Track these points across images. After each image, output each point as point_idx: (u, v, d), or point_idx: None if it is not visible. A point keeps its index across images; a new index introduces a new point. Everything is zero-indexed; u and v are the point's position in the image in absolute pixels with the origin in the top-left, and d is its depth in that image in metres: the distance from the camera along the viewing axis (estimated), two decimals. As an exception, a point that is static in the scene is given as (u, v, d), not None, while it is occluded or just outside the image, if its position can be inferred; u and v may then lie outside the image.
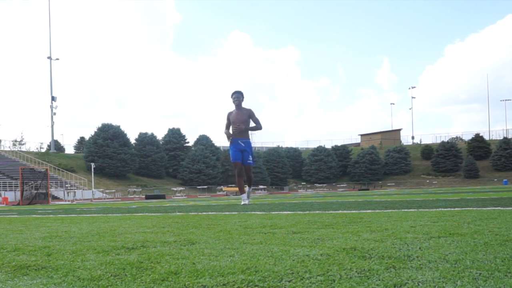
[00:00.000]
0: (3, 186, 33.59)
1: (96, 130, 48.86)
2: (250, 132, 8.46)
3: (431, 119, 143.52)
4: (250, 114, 8.10)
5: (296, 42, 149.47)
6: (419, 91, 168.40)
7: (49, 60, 51.43)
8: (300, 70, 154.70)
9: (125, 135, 49.42)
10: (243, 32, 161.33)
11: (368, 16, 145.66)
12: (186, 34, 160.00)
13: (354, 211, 4.26)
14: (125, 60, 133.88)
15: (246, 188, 8.24)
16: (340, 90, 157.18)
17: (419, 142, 75.85)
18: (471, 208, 4.07)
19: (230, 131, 8.26)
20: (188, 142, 58.08)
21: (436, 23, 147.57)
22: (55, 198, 32.15)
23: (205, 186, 47.58)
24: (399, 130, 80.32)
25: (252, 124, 8.25)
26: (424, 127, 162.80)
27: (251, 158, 8.20)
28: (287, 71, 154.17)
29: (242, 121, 8.01)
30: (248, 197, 8.12)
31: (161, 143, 54.86)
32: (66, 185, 37.85)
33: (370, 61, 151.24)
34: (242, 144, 8.08)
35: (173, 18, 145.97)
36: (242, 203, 7.83)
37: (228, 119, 8.21)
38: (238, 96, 8.16)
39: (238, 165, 8.09)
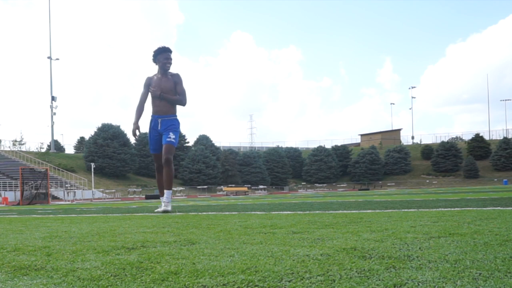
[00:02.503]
0: (3, 186, 33.59)
1: (96, 130, 48.88)
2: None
3: (433, 119, 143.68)
4: (176, 82, 5.77)
5: (298, 42, 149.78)
6: (421, 91, 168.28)
7: (49, 60, 51.45)
8: (302, 70, 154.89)
9: (125, 135, 49.43)
10: (245, 32, 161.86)
11: (370, 16, 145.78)
12: (189, 34, 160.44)
13: (354, 211, 4.26)
14: (127, 59, 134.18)
15: (165, 192, 5.73)
16: (342, 90, 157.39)
17: (419, 142, 75.86)
18: (471, 208, 4.06)
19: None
20: (188, 142, 58.06)
21: (438, 23, 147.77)
22: (55, 198, 32.15)
23: (205, 186, 47.59)
24: (399, 130, 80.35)
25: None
26: (425, 127, 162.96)
27: (172, 136, 5.74)
28: (289, 71, 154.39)
29: (167, 91, 5.72)
30: (167, 200, 5.67)
31: (161, 143, 54.84)
32: (66, 185, 37.85)
33: (372, 61, 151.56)
34: (160, 127, 5.75)
35: (176, 18, 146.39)
36: (161, 209, 5.60)
37: (147, 86, 5.86)
38: (169, 57, 5.75)
39: (156, 158, 5.90)
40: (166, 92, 5.72)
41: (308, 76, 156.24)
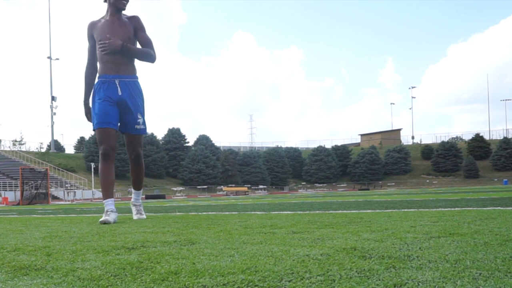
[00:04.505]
0: (3, 186, 33.58)
1: (96, 130, 48.87)
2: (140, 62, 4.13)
3: (433, 119, 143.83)
4: (137, 27, 4.02)
5: (299, 42, 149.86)
6: (421, 91, 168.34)
7: (49, 60, 51.45)
8: (303, 70, 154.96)
9: (125, 135, 49.43)
10: (246, 32, 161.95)
11: (371, 17, 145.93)
12: (191, 34, 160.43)
13: (354, 211, 4.26)
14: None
15: (133, 193, 4.57)
16: (343, 90, 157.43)
17: (419, 142, 75.87)
18: (471, 208, 4.06)
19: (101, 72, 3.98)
20: (188, 142, 58.10)
21: (439, 23, 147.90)
22: (55, 198, 32.15)
23: (205, 186, 47.61)
24: (399, 130, 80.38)
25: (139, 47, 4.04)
26: (425, 127, 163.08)
27: (141, 119, 4.09)
28: (290, 71, 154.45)
29: (124, 40, 3.91)
30: (139, 208, 4.37)
31: (161, 143, 54.87)
32: (66, 185, 37.85)
33: (374, 61, 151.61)
34: (119, 92, 3.93)
35: (179, 18, 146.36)
36: (103, 217, 3.79)
37: (93, 38, 4.01)
38: None
39: (107, 135, 3.98)
40: (123, 41, 3.91)
41: (310, 76, 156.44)
